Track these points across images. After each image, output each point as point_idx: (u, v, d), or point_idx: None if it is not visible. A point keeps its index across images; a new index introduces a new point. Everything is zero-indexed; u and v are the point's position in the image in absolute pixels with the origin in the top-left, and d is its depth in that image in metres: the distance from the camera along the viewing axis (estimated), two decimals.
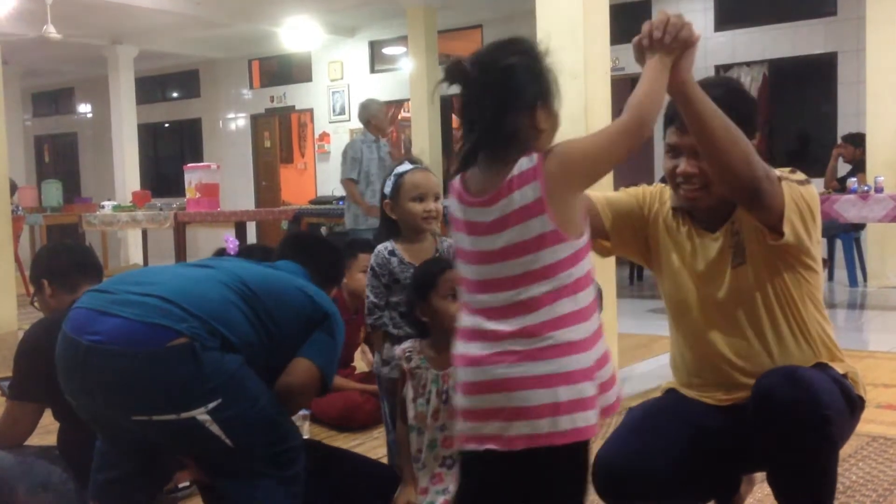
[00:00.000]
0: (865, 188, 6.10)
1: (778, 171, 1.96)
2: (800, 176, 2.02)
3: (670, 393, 2.27)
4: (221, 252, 2.71)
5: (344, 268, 2.65)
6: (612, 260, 4.27)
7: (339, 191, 7.54)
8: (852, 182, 6.36)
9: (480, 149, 1.69)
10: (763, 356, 2.07)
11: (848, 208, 6.08)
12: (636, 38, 1.77)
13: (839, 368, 2.05)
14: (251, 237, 10.08)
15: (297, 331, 2.15)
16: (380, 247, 2.79)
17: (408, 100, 10.91)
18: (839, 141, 7.91)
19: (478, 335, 1.69)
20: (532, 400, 1.63)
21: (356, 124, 12.18)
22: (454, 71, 1.69)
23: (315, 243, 2.63)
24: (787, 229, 1.94)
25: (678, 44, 1.76)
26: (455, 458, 2.23)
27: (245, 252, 2.75)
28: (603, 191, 4.09)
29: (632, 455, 2.09)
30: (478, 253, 1.70)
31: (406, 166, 2.77)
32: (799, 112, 9.41)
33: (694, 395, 2.19)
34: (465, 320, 1.73)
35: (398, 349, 2.51)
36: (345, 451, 2.76)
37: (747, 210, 1.97)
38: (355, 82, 12.50)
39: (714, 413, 2.12)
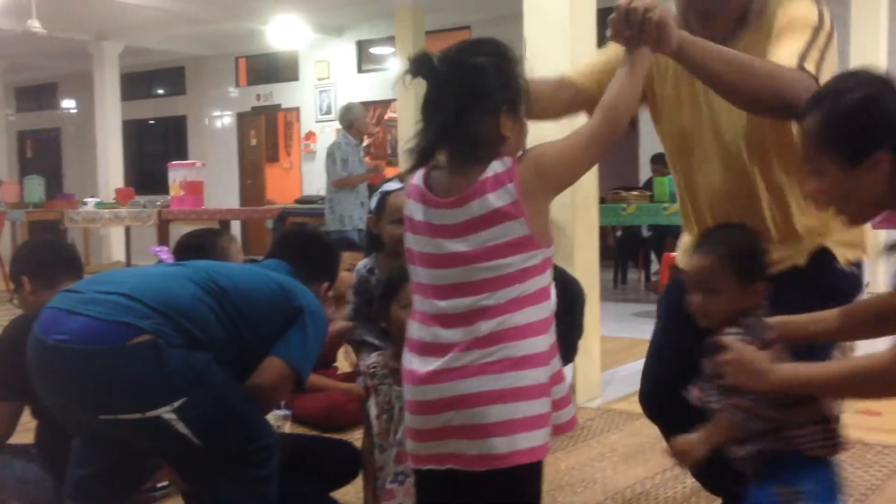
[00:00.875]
0: None
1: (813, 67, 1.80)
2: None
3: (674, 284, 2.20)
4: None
5: (338, 262, 2.63)
6: (595, 262, 4.28)
7: (325, 191, 7.57)
8: None
9: (439, 146, 1.63)
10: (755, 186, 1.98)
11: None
12: (611, 26, 1.68)
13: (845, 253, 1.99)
14: (236, 236, 10.03)
15: (272, 327, 2.13)
16: (359, 265, 2.79)
17: (394, 100, 10.90)
18: None
19: (429, 348, 1.62)
20: (489, 417, 1.57)
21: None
22: (420, 63, 1.63)
23: (306, 239, 2.61)
24: None
25: (649, 35, 1.67)
26: (408, 473, 2.19)
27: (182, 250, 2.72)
28: (587, 183, 4.12)
29: (664, 372, 2.13)
30: (441, 256, 1.63)
31: (394, 185, 2.75)
32: None
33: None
34: (417, 330, 1.66)
35: (363, 365, 2.47)
36: (305, 437, 2.77)
37: None
38: (342, 82, 12.49)
39: None
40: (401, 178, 2.76)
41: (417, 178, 1.69)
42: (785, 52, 1.81)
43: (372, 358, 2.49)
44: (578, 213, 4.12)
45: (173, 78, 14.53)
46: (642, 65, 1.69)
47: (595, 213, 4.31)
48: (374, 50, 12.28)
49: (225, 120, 14.00)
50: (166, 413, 1.90)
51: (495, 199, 1.58)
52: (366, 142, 11.43)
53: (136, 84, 14.37)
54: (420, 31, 9.98)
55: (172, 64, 14.12)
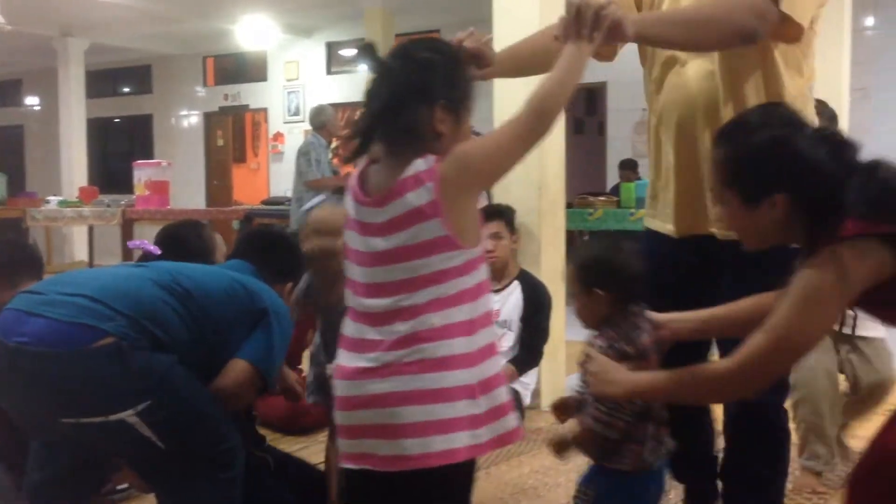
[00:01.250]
0: None
1: None
2: None
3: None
4: (146, 258, 2.65)
5: (302, 263, 2.62)
6: (561, 267, 4.30)
7: (292, 190, 7.58)
8: None
9: (374, 134, 1.62)
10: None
11: None
12: (561, 25, 1.67)
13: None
14: None
15: (236, 328, 2.12)
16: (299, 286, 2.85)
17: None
18: None
19: (357, 344, 1.62)
20: (403, 417, 1.55)
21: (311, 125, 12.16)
22: (366, 51, 1.63)
23: (270, 239, 2.60)
24: (804, 23, 1.91)
25: (606, 36, 1.66)
26: None
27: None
28: (554, 188, 4.13)
29: None
30: (368, 254, 1.62)
31: (316, 199, 2.79)
32: None
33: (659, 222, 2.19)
34: (348, 327, 1.66)
35: (329, 368, 2.46)
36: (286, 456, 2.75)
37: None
38: (311, 83, 12.43)
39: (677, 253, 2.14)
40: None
41: (355, 174, 1.68)
42: None
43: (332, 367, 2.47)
44: (545, 218, 4.13)
45: (140, 76, 14.38)
46: (580, 61, 1.65)
47: (562, 217, 4.33)
48: (344, 51, 12.24)
49: (192, 119, 13.87)
50: (129, 416, 1.88)
51: (414, 199, 1.56)
52: (333, 143, 11.40)
53: (101, 82, 14.19)
54: (390, 34, 9.97)
55: (139, 62, 13.97)
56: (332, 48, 12.33)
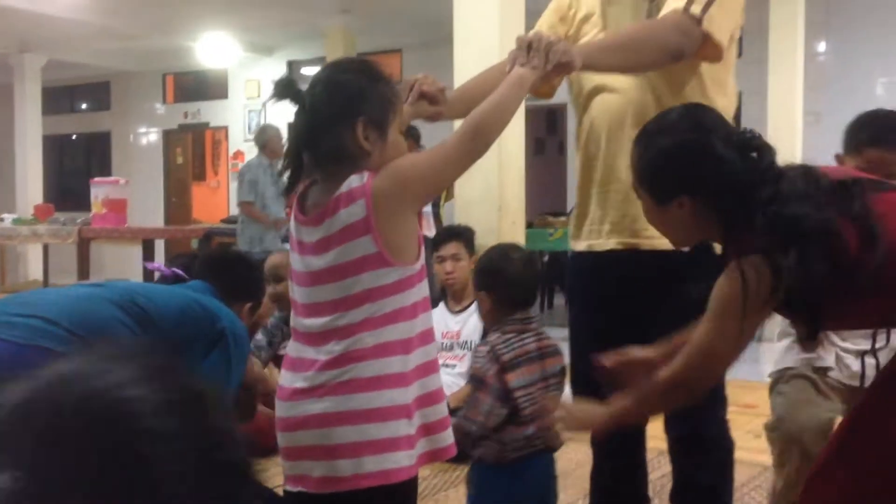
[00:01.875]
0: None
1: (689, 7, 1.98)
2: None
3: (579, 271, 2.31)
4: (164, 280, 2.61)
5: (262, 284, 2.60)
6: None
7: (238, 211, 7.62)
8: None
9: (301, 164, 1.62)
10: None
11: None
12: (511, 57, 1.72)
13: None
14: (159, 255, 9.84)
15: (194, 349, 2.10)
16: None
17: None
18: None
19: (296, 364, 1.61)
20: (336, 438, 1.53)
21: None
22: (283, 86, 1.63)
23: (229, 260, 2.60)
24: (723, 42, 2.02)
25: (555, 69, 1.71)
26: None
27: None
28: (514, 208, 4.16)
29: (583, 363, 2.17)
30: (306, 274, 1.62)
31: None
32: None
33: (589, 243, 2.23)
34: (290, 347, 1.66)
35: None
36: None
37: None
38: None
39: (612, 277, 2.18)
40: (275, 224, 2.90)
41: (295, 195, 1.69)
42: (674, 1, 1.99)
43: None
44: (505, 239, 4.14)
45: (98, 93, 14.21)
46: (522, 88, 1.68)
47: (522, 238, 4.34)
48: (305, 70, 12.21)
49: (151, 137, 13.73)
50: None
51: (346, 216, 1.56)
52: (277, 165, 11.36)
53: (58, 98, 14.00)
54: (351, 53, 9.97)
55: (97, 79, 13.81)
56: (293, 66, 12.30)
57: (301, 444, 1.58)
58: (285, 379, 1.63)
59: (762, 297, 1.49)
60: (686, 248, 2.06)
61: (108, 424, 0.63)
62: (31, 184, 11.88)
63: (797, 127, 7.47)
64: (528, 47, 1.69)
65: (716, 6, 1.97)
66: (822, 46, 8.87)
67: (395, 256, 1.56)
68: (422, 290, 1.62)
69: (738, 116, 2.17)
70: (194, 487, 0.63)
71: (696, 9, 1.95)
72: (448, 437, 1.66)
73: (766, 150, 1.58)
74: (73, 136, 14.61)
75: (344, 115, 1.58)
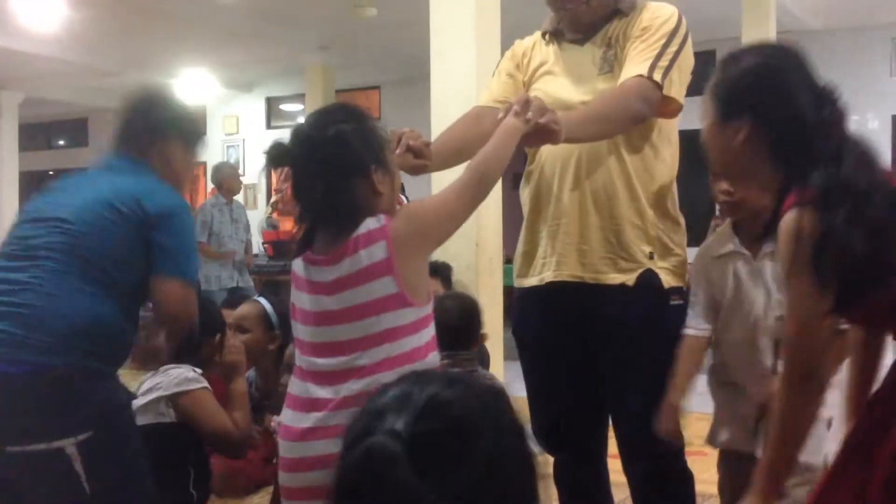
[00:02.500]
0: None
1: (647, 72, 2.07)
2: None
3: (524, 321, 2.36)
4: None
5: (220, 317, 2.60)
6: (500, 323, 4.29)
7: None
8: None
9: (320, 226, 1.64)
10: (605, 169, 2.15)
11: None
12: (506, 109, 1.83)
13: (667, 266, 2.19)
14: None
15: (135, 254, 2.05)
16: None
17: None
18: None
19: (304, 404, 1.61)
20: None
21: (250, 179, 12.04)
22: (278, 154, 1.64)
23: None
24: (681, 101, 2.14)
25: (540, 134, 1.82)
26: None
27: None
28: (491, 245, 4.16)
29: (556, 405, 2.27)
30: (317, 314, 1.62)
31: None
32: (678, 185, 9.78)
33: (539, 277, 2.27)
34: (294, 386, 1.66)
35: (273, 421, 2.47)
36: None
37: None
38: (251, 137, 12.37)
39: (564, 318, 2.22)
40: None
41: (300, 234, 1.70)
42: (639, 60, 2.08)
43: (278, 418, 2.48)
44: (482, 276, 4.13)
45: (75, 129, 14.14)
46: (513, 137, 1.78)
47: (499, 274, 4.33)
48: (284, 106, 12.24)
49: None
50: (69, 446, 1.84)
51: (366, 257, 1.58)
52: (273, 197, 11.36)
53: (36, 135, 13.93)
54: (330, 90, 10.02)
55: (75, 115, 13.75)
56: (271, 103, 12.32)
57: (312, 485, 1.56)
58: (291, 419, 1.62)
59: (806, 253, 1.45)
60: (631, 285, 2.08)
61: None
62: (6, 220, 11.70)
63: None
64: (525, 103, 1.80)
65: (675, 70, 2.08)
66: None
67: (413, 297, 1.59)
68: (431, 330, 1.65)
69: (683, 159, 2.25)
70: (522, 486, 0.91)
71: (657, 75, 2.05)
72: None
73: (840, 110, 1.56)
74: (51, 172, 14.51)
75: (359, 168, 1.61)
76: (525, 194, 2.33)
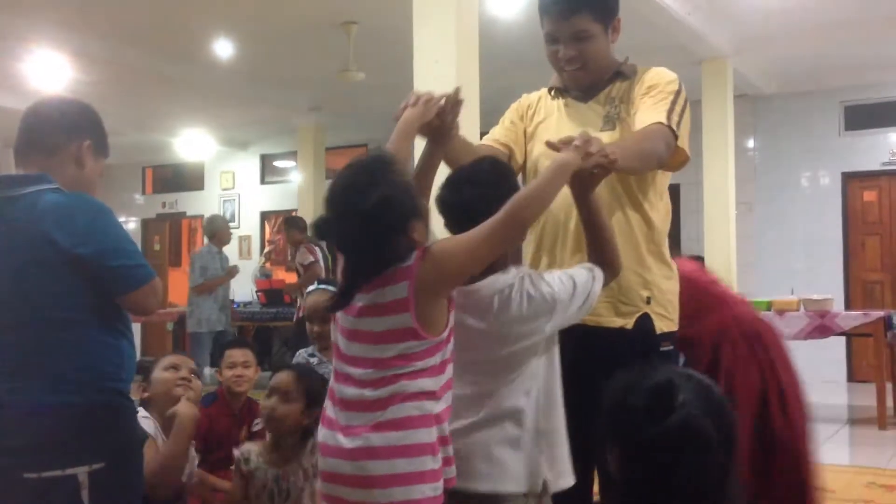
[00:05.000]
0: None
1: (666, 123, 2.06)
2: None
3: None
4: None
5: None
6: None
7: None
8: None
9: (364, 281, 1.66)
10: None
11: None
12: (567, 138, 1.79)
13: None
14: (136, 336, 9.64)
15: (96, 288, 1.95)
16: (301, 352, 2.87)
17: (295, 209, 10.88)
18: None
19: (338, 401, 1.70)
20: (370, 470, 1.62)
21: (245, 231, 12.07)
22: (325, 228, 1.66)
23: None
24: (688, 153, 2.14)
25: (602, 169, 1.78)
26: None
27: None
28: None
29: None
30: (348, 331, 1.70)
31: (314, 286, 2.89)
32: None
33: None
34: (333, 384, 1.74)
35: (235, 451, 2.43)
36: None
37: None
38: (246, 192, 12.40)
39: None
40: (321, 280, 2.91)
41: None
42: (655, 111, 2.07)
43: (244, 447, 2.49)
44: None
45: None
46: (564, 175, 1.72)
47: None
48: (278, 163, 12.29)
49: (129, 226, 13.60)
50: (82, 473, 1.83)
51: (390, 293, 1.63)
52: (267, 248, 11.36)
53: None
54: (321, 147, 10.08)
55: None
56: (265, 160, 12.37)
57: (338, 472, 1.65)
58: (330, 412, 1.72)
59: None
60: (630, 328, 2.09)
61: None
62: None
63: (730, 216, 7.64)
64: (586, 140, 1.75)
65: (683, 125, 2.10)
66: (750, 143, 9.15)
67: (427, 330, 1.63)
68: (449, 349, 1.69)
69: (678, 204, 2.24)
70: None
71: (673, 124, 2.06)
72: (451, 472, 1.73)
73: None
74: None
75: (400, 228, 1.63)
76: (530, 236, 2.31)
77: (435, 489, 1.64)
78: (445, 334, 1.68)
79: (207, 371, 6.73)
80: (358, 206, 1.61)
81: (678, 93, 2.13)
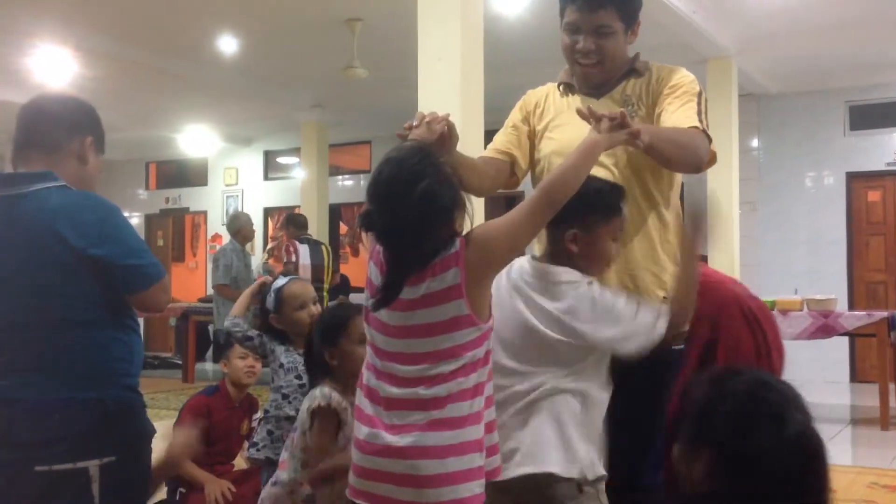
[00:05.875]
0: None
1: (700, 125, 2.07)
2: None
3: None
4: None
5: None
6: None
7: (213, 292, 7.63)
8: None
9: (410, 274, 1.65)
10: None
11: None
12: (590, 110, 1.83)
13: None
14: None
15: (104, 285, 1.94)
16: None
17: (298, 206, 10.89)
18: None
19: (381, 400, 1.68)
20: (422, 469, 1.61)
21: None
22: (368, 221, 1.67)
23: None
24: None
25: (627, 139, 1.81)
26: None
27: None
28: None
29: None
30: (396, 327, 1.67)
31: (281, 281, 2.85)
32: None
33: None
34: (371, 380, 1.71)
35: (318, 392, 2.31)
36: None
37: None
38: (249, 188, 12.41)
39: None
40: (286, 272, 2.90)
41: (377, 254, 1.73)
42: (685, 116, 2.07)
43: (319, 390, 2.36)
44: None
45: None
46: (594, 152, 1.78)
47: None
48: (281, 159, 12.30)
49: (133, 221, 13.63)
50: (93, 467, 1.84)
51: (440, 282, 1.63)
52: (270, 245, 11.37)
53: None
54: (324, 144, 10.07)
55: None
56: (269, 156, 12.38)
57: (385, 470, 1.64)
58: (365, 407, 1.70)
59: None
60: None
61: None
62: None
63: (734, 215, 7.63)
64: (611, 118, 1.79)
65: (709, 127, 2.10)
66: (754, 143, 9.13)
67: (479, 316, 1.64)
68: (490, 341, 1.70)
69: (683, 209, 2.22)
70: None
71: (706, 127, 2.06)
72: (496, 461, 1.74)
73: None
74: None
75: (444, 219, 1.65)
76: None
77: (481, 485, 1.65)
78: (491, 323, 1.69)
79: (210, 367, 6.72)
80: (403, 199, 1.62)
81: (701, 94, 2.13)
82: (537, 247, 2.10)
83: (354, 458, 1.70)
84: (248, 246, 7.82)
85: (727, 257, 7.42)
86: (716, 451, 1.43)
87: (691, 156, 2.02)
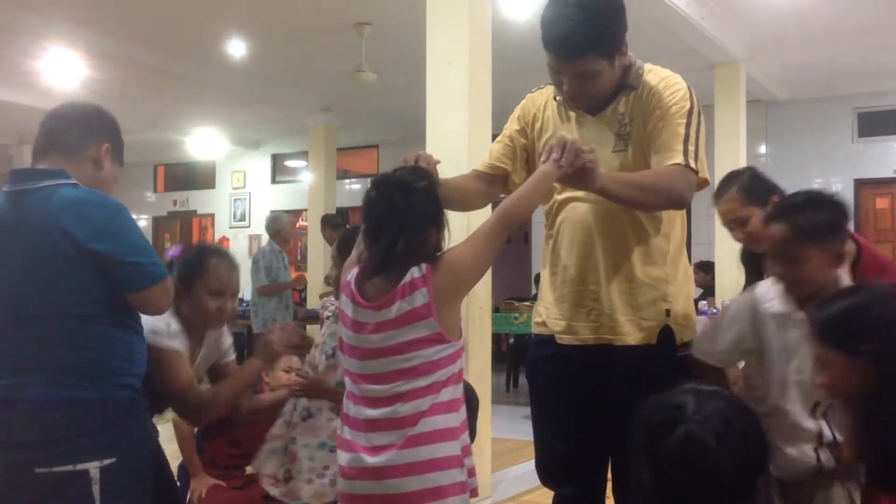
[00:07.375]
0: (714, 310, 6.38)
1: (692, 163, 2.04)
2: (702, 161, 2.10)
3: (543, 351, 2.25)
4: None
5: None
6: (488, 370, 4.27)
7: (249, 295, 7.58)
8: (703, 305, 6.65)
9: (380, 272, 1.75)
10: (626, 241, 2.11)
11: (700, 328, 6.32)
12: (545, 150, 1.88)
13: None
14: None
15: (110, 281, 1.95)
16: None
17: (305, 210, 10.91)
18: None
19: (360, 424, 1.74)
20: (402, 487, 1.67)
21: (255, 231, 12.08)
22: (379, 185, 1.81)
23: None
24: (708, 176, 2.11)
25: (575, 170, 1.85)
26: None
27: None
28: (481, 295, 4.14)
29: (557, 446, 2.21)
30: (363, 350, 1.75)
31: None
32: None
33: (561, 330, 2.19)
34: (350, 408, 1.78)
35: (327, 300, 2.49)
36: None
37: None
38: (256, 191, 12.43)
39: (584, 361, 2.14)
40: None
41: (351, 278, 1.81)
42: (671, 147, 2.03)
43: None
44: (472, 323, 4.13)
45: None
46: (545, 182, 1.86)
47: (488, 322, 4.33)
48: (289, 163, 12.32)
49: (140, 223, 13.60)
50: (94, 468, 1.85)
51: (409, 303, 1.71)
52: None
53: None
54: (332, 148, 10.09)
55: None
56: (276, 159, 12.41)
57: (367, 493, 1.70)
58: (348, 436, 1.76)
59: None
60: (654, 342, 2.09)
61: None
62: None
63: None
64: (562, 147, 1.84)
65: (700, 149, 2.06)
66: (762, 149, 9.11)
67: (450, 334, 1.72)
68: (463, 359, 1.79)
69: (688, 208, 2.20)
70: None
71: (692, 162, 2.02)
72: (475, 482, 1.80)
73: None
74: None
75: (435, 221, 1.77)
76: (545, 255, 2.31)
77: (464, 500, 1.71)
78: (462, 341, 1.77)
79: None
80: (405, 185, 1.76)
81: (691, 111, 2.05)
82: None
83: (339, 485, 1.77)
84: (256, 247, 7.76)
85: (735, 262, 7.38)
86: (643, 459, 1.48)
87: (659, 197, 2.00)
